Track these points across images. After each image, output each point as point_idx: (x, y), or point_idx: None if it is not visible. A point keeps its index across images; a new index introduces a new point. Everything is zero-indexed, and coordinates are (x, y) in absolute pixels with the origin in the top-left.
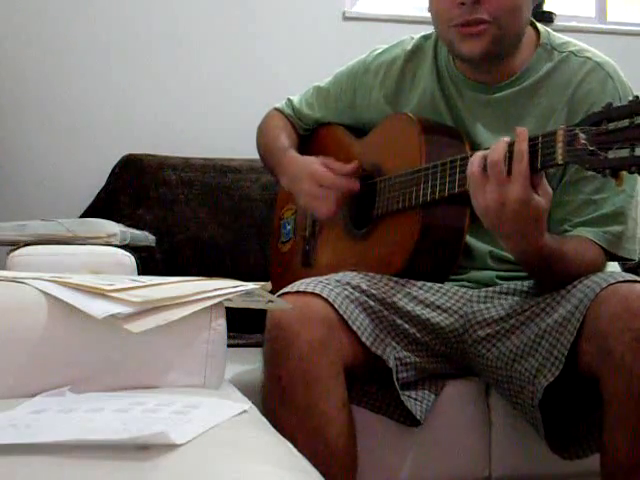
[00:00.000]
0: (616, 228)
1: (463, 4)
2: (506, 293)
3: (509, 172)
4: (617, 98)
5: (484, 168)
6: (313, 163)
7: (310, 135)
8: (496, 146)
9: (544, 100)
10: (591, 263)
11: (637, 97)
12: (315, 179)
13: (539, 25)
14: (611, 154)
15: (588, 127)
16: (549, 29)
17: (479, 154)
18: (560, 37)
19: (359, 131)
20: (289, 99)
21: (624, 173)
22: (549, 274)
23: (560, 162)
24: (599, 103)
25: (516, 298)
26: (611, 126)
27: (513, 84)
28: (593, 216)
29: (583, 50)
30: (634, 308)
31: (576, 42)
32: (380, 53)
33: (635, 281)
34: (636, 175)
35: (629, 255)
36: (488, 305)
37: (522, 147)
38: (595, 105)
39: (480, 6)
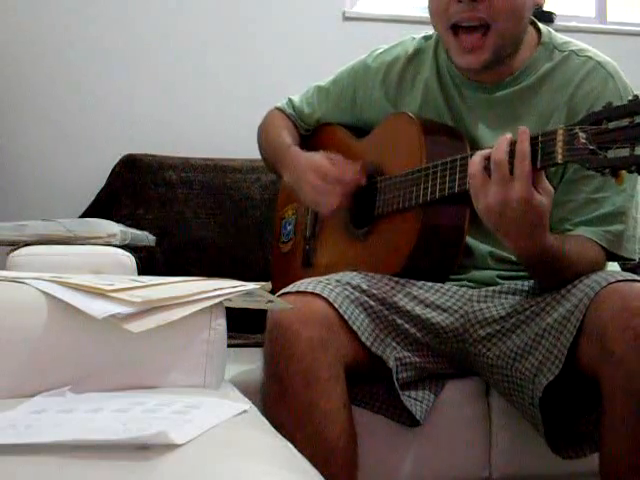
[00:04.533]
0: (617, 227)
1: (460, 1)
2: (506, 292)
3: (511, 172)
4: (618, 98)
5: (485, 168)
6: (318, 157)
7: (311, 135)
8: (498, 145)
9: (544, 99)
10: (592, 262)
11: (637, 96)
12: (320, 173)
13: (540, 24)
14: (611, 153)
15: (588, 126)
16: (550, 29)
17: (480, 153)
18: (561, 37)
19: (360, 131)
20: (290, 99)
21: (624, 172)
22: (551, 273)
23: (560, 161)
24: (600, 102)
25: (516, 297)
26: (611, 125)
27: (513, 83)
28: (594, 215)
29: (584, 50)
30: (633, 307)
31: (577, 42)
32: (381, 53)
33: (635, 280)
34: (637, 174)
35: (630, 255)
36: (489, 304)
37: (524, 147)
38: (596, 104)
39: (479, 4)
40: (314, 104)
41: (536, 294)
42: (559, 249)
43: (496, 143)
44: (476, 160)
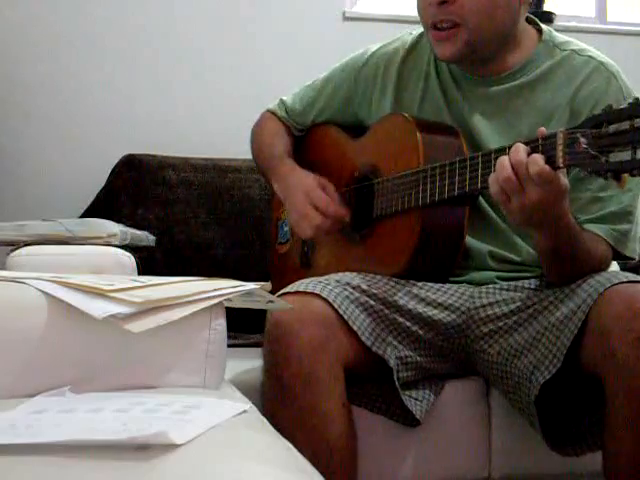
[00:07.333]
0: (624, 227)
1: (432, 4)
2: (507, 290)
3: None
4: (621, 98)
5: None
6: (310, 181)
7: (305, 135)
8: (516, 148)
9: (545, 96)
10: (602, 257)
11: (637, 99)
12: (309, 198)
13: (542, 24)
14: (612, 157)
15: (589, 130)
16: (551, 29)
17: (505, 158)
18: (562, 37)
19: (354, 130)
20: (282, 100)
21: (626, 176)
22: (569, 259)
23: (561, 165)
24: (603, 102)
25: (519, 295)
26: (612, 129)
27: (513, 77)
28: (600, 214)
29: (585, 49)
30: (637, 309)
31: (577, 42)
32: (379, 48)
33: (638, 282)
34: None
35: (631, 254)
36: (491, 301)
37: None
38: (599, 104)
39: (449, 6)
40: (307, 104)
41: (539, 292)
42: (579, 233)
43: (514, 147)
44: (505, 163)
